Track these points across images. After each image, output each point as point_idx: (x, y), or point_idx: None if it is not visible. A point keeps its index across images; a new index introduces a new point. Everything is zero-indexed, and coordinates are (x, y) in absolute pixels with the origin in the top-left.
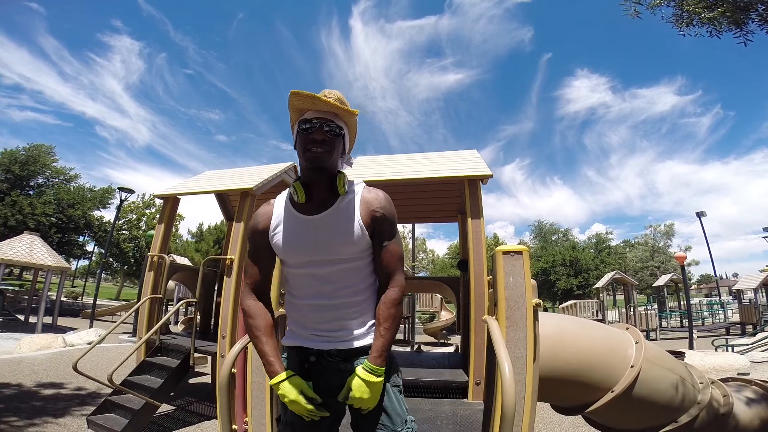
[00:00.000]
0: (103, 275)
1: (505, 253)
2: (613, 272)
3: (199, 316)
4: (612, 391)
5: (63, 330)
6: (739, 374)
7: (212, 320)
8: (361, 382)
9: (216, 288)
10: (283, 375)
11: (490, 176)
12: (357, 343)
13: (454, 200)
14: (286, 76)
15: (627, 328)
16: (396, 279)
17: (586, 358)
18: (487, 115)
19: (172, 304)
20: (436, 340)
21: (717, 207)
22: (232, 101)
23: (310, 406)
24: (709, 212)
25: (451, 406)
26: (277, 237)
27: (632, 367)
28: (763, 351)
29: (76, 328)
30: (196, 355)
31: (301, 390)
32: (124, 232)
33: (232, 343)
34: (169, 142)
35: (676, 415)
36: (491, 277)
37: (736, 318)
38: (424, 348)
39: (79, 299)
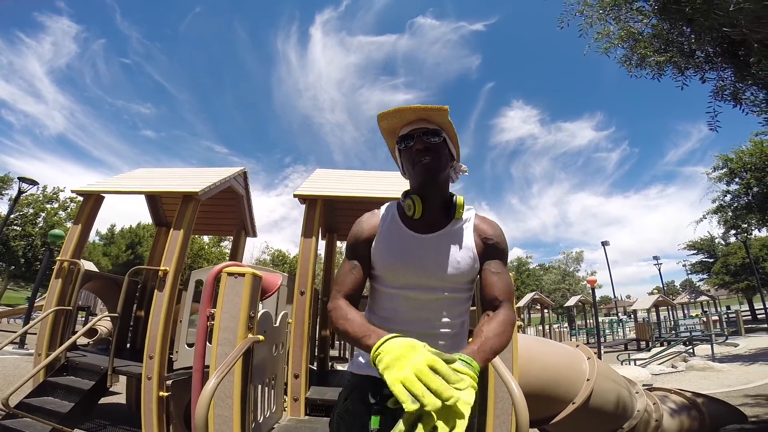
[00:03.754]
0: None
1: None
2: (533, 293)
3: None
4: (573, 403)
5: None
6: (653, 386)
7: (129, 336)
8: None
9: (136, 301)
10: (386, 336)
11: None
12: None
13: None
14: (234, 77)
15: (577, 346)
16: (508, 304)
17: (552, 374)
18: None
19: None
20: None
21: (617, 237)
22: (169, 96)
23: (436, 380)
24: (610, 241)
25: None
26: (380, 249)
27: (588, 380)
28: (659, 364)
29: None
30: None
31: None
32: (15, 228)
33: (161, 364)
34: (87, 133)
35: (621, 422)
36: None
37: (633, 335)
38: (339, 368)
39: None
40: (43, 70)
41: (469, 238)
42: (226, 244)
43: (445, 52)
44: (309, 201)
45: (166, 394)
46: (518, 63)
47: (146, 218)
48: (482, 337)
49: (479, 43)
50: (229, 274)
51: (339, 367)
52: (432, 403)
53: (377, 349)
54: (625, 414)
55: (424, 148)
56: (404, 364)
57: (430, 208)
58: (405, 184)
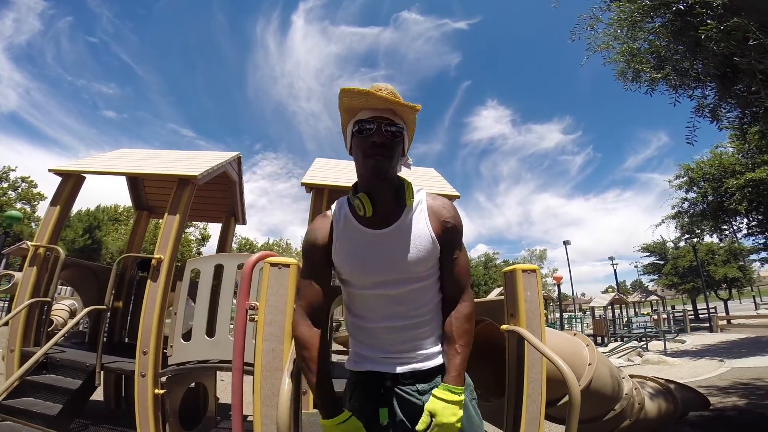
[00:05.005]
0: None
1: (524, 270)
2: (500, 288)
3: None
4: (579, 386)
5: None
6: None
7: (106, 328)
8: (445, 404)
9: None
10: (339, 418)
11: (458, 197)
12: (433, 363)
13: None
14: (207, 61)
15: (575, 334)
16: (467, 293)
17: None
18: None
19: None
20: (346, 349)
21: (575, 237)
22: (135, 78)
23: None
24: (569, 241)
25: None
26: (342, 255)
27: (590, 365)
28: (618, 358)
29: None
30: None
31: None
32: None
33: (156, 358)
34: (42, 112)
35: (613, 404)
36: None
37: (590, 330)
38: (334, 358)
39: None
40: (1, 47)
41: (425, 223)
42: (192, 231)
43: (427, 48)
44: (316, 190)
45: (161, 391)
46: (497, 63)
47: (106, 200)
48: (456, 350)
49: (461, 41)
50: (272, 264)
51: (335, 358)
52: None
53: (327, 428)
54: (617, 396)
55: (382, 143)
56: None
57: (382, 202)
58: (409, 176)
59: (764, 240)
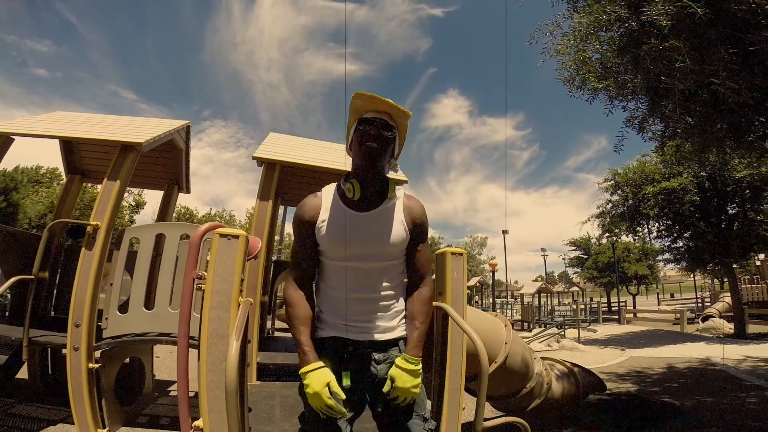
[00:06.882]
0: None
1: (453, 253)
2: (478, 277)
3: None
4: (495, 362)
5: None
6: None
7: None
8: (403, 371)
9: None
10: (314, 365)
11: (406, 181)
12: (389, 335)
13: None
14: (161, 23)
15: (496, 315)
16: (427, 279)
17: (482, 337)
18: None
19: None
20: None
21: (514, 227)
22: (76, 36)
23: (331, 401)
24: (508, 231)
25: None
26: (325, 229)
27: (506, 343)
28: (539, 342)
29: None
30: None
31: (326, 383)
32: None
33: (90, 331)
34: None
35: (525, 382)
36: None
37: (519, 316)
38: (276, 333)
39: None
40: None
41: (400, 214)
42: (126, 196)
43: (399, 31)
44: (267, 164)
45: (95, 366)
46: (464, 54)
47: (26, 161)
48: (415, 326)
49: (434, 27)
50: (222, 235)
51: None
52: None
53: (304, 375)
54: (529, 375)
55: (377, 135)
56: (315, 399)
57: (367, 190)
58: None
59: (669, 243)
